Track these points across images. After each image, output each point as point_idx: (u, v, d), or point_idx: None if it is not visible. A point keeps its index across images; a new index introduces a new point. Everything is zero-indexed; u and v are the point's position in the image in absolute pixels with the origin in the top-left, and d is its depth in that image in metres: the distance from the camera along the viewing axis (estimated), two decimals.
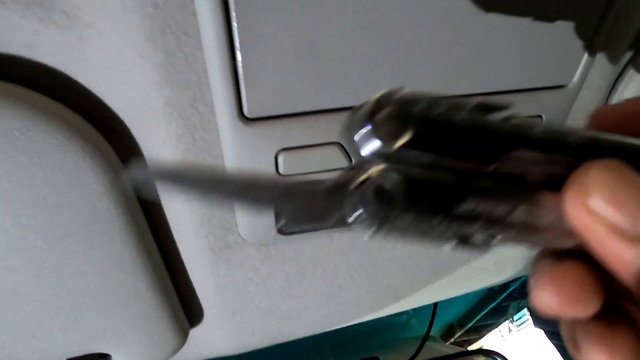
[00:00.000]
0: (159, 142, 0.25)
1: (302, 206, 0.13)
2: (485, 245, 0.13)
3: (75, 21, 0.20)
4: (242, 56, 0.22)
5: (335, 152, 0.27)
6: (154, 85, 0.22)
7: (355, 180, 0.12)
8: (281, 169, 0.27)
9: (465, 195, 0.12)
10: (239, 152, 0.25)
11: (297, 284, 0.37)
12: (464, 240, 0.13)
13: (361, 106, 0.13)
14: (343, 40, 0.23)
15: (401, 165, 0.12)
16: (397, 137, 0.12)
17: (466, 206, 0.12)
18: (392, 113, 0.12)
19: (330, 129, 0.26)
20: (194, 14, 0.21)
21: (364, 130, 0.12)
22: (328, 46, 0.23)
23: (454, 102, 0.12)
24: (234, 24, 0.21)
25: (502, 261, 0.45)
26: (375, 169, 0.12)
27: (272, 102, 0.24)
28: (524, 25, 0.26)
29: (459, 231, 0.13)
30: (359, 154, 0.12)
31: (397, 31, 0.23)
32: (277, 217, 0.13)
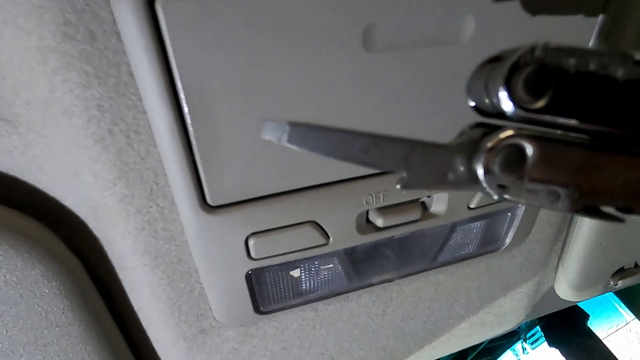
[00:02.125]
0: (118, 237, 0.23)
1: (427, 163, 0.12)
2: (618, 218, 0.12)
3: (17, 127, 0.19)
4: (199, 147, 0.20)
5: (308, 230, 0.25)
6: (107, 184, 0.21)
7: (489, 141, 0.12)
8: (253, 254, 0.25)
9: (603, 162, 0.12)
10: (205, 240, 0.24)
11: None
12: (592, 212, 0.12)
13: (493, 59, 0.12)
14: (305, 120, 0.22)
15: (536, 127, 0.11)
16: (534, 99, 0.11)
17: (601, 174, 0.12)
18: (531, 74, 0.11)
19: (301, 207, 0.25)
20: (144, 112, 0.19)
21: (500, 92, 0.11)
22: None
23: (601, 59, 0.11)
24: (188, 119, 0.19)
25: (503, 313, 0.43)
26: (509, 131, 0.12)
27: (236, 187, 0.22)
28: None
29: (590, 201, 0.12)
30: (492, 114, 0.12)
31: (365, 102, 0.22)
32: (401, 176, 0.12)
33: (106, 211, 0.22)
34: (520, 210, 0.33)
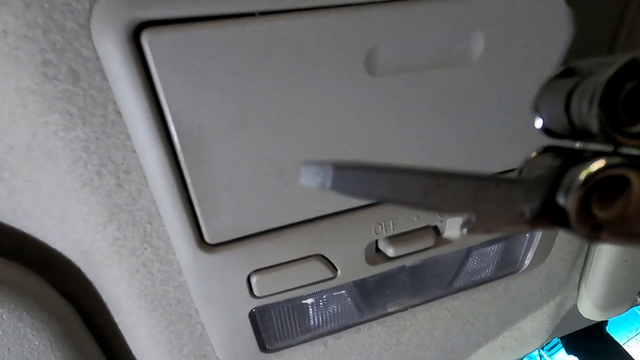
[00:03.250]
0: (111, 281, 0.22)
1: (499, 202, 0.11)
2: None
3: (0, 172, 0.18)
4: (193, 185, 0.19)
5: (314, 264, 0.24)
6: (97, 227, 0.19)
7: (583, 172, 0.10)
8: (256, 292, 0.23)
9: None
10: (205, 280, 0.22)
11: None
12: None
13: (564, 72, 0.11)
14: (305, 150, 0.20)
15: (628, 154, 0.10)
16: (635, 121, 0.09)
17: None
18: (632, 92, 0.09)
19: (306, 241, 0.23)
20: (133, 150, 0.18)
21: (592, 111, 0.09)
22: (289, 159, 0.20)
23: None
24: (180, 156, 0.18)
25: (524, 335, 0.40)
26: (609, 160, 0.10)
27: (235, 224, 0.21)
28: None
29: None
30: (567, 135, 0.10)
31: (367, 131, 0.21)
32: (468, 219, 0.11)
33: (98, 255, 0.21)
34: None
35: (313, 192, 0.22)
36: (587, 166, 0.10)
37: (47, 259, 0.21)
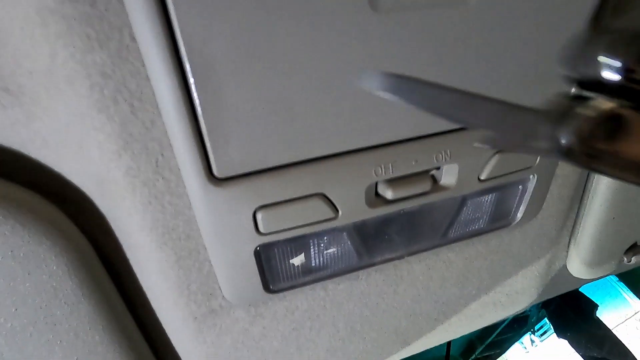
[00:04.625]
0: (124, 213, 0.23)
1: (516, 125, 0.13)
2: None
3: (19, 98, 0.19)
4: (204, 117, 0.20)
5: (317, 203, 0.25)
6: (112, 156, 0.20)
7: (585, 108, 0.12)
8: (261, 228, 0.25)
9: None
10: (213, 214, 0.23)
11: (294, 342, 0.34)
12: None
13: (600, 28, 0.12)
14: (314, 87, 0.21)
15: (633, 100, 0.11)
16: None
17: None
18: None
19: (309, 179, 0.24)
20: (147, 78, 0.19)
21: (606, 59, 0.11)
22: (297, 96, 0.21)
23: None
24: (192, 85, 0.19)
25: (515, 292, 0.42)
26: (612, 102, 0.11)
27: (243, 159, 0.22)
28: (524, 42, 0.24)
29: None
30: (591, 85, 0.12)
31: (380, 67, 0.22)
32: (488, 136, 0.13)
33: (112, 185, 0.22)
34: (532, 183, 0.32)
35: (317, 131, 0.23)
36: (592, 103, 0.11)
37: (63, 192, 0.22)
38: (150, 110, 0.20)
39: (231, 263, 0.26)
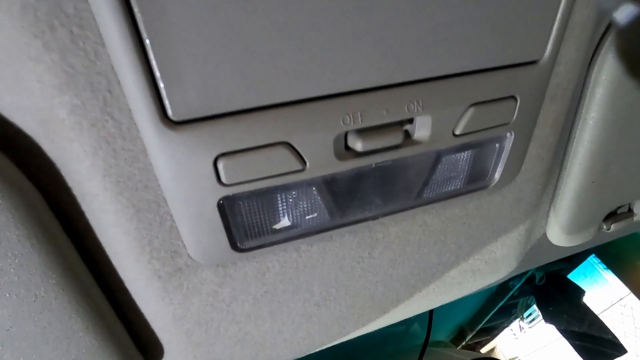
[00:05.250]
0: (73, 158, 0.22)
1: None
2: None
3: None
4: (154, 50, 0.19)
5: (282, 153, 0.24)
6: (53, 91, 0.19)
7: None
8: (223, 177, 0.23)
9: None
10: (170, 161, 0.22)
11: (266, 306, 0.33)
12: None
13: None
14: (277, 25, 0.20)
15: None
16: None
17: None
18: None
19: (273, 126, 0.23)
20: (86, 1, 0.18)
21: None
22: (259, 33, 0.20)
23: None
24: (136, 10, 0.17)
25: (494, 260, 0.42)
26: None
27: (201, 101, 0.21)
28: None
29: None
30: None
31: (343, 10, 0.21)
32: None
33: (57, 125, 0.20)
34: (509, 142, 0.31)
35: (282, 74, 0.21)
36: None
37: (7, 135, 0.21)
38: (93, 39, 0.18)
39: (194, 217, 0.25)
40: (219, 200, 0.25)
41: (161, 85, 0.20)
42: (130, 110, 0.21)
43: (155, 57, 0.19)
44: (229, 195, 0.25)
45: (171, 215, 0.25)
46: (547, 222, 0.42)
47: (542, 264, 0.48)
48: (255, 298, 0.32)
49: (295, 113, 0.23)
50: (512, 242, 0.41)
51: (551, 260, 0.48)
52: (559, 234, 0.42)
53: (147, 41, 0.18)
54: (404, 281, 0.38)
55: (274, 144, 0.23)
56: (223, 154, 0.23)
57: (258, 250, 0.29)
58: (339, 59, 0.22)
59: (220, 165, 0.23)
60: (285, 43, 0.21)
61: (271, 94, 0.22)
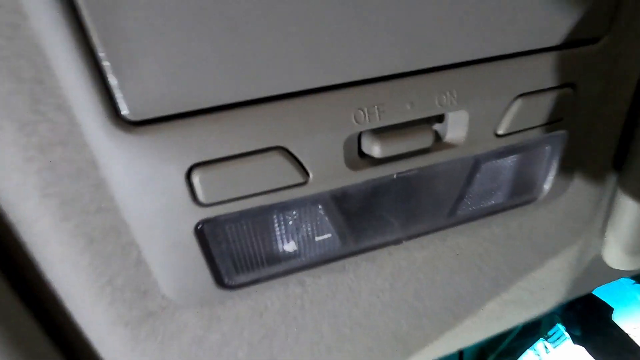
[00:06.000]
0: (1, 172, 0.16)
1: None
2: None
3: None
4: (96, 26, 0.13)
5: (277, 161, 0.18)
6: None
7: None
8: (200, 195, 0.18)
9: None
10: (127, 175, 0.17)
11: (265, 353, 0.27)
12: None
13: None
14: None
15: None
16: None
17: None
18: None
19: (267, 127, 0.17)
20: None
21: None
22: (239, 5, 0.15)
23: None
24: None
25: (541, 289, 0.35)
26: None
27: (166, 94, 0.16)
28: None
29: None
30: None
31: None
32: None
33: None
34: (562, 143, 0.25)
35: (272, 58, 0.16)
36: None
37: None
38: (8, 6, 0.13)
39: (166, 248, 0.19)
40: (197, 225, 0.19)
41: (108, 73, 0.15)
42: (69, 107, 0.16)
43: (97, 32, 0.14)
44: (210, 218, 0.19)
45: (137, 246, 0.20)
46: (602, 240, 0.35)
47: (593, 291, 0.41)
48: (251, 344, 0.26)
49: (293, 109, 0.18)
50: (561, 266, 0.34)
51: (607, 282, 0.41)
52: (619, 255, 0.35)
53: (86, 12, 0.13)
54: (433, 316, 0.31)
55: (267, 150, 0.18)
56: (199, 165, 0.17)
57: (252, 287, 0.23)
58: (348, 38, 0.17)
59: (195, 179, 0.17)
60: (278, 15, 0.15)
61: (261, 85, 0.17)
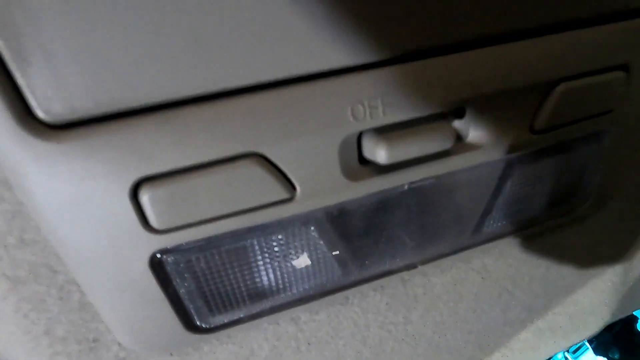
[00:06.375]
0: None
1: None
2: None
3: None
4: None
5: (252, 172, 0.14)
6: None
7: None
8: (152, 219, 0.14)
9: None
10: (48, 196, 0.13)
11: None
12: None
13: None
14: None
15: None
16: None
17: None
18: None
19: (236, 128, 0.13)
20: None
21: None
22: None
23: None
24: None
25: (582, 312, 0.30)
26: None
27: (99, 87, 0.12)
28: None
29: None
30: None
31: None
32: None
33: None
34: (611, 138, 0.20)
35: (245, 37, 0.12)
36: None
37: None
38: None
39: (113, 287, 0.15)
40: (152, 257, 0.15)
41: (6, 58, 0.11)
42: None
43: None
44: (168, 248, 0.15)
45: (78, 285, 0.15)
46: None
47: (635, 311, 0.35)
48: None
49: (269, 105, 0.13)
50: (605, 286, 0.29)
51: None
52: None
53: None
54: (457, 351, 0.26)
55: (237, 158, 0.14)
56: (147, 179, 0.13)
57: (233, 328, 0.18)
58: (337, 13, 0.13)
59: (144, 199, 0.13)
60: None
61: (227, 73, 0.13)
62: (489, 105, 0.16)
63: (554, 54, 0.16)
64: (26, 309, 0.15)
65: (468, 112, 0.17)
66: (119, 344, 0.17)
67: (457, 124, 0.18)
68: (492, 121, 0.17)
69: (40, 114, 0.12)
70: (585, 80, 0.17)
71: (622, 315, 0.34)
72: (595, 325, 0.31)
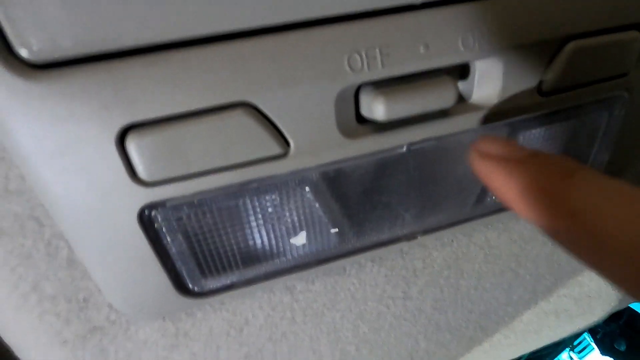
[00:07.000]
0: None
1: None
2: None
3: None
4: None
5: (241, 123, 0.13)
6: None
7: None
8: (139, 170, 0.13)
9: None
10: (33, 142, 0.12)
11: None
12: None
13: None
14: None
15: None
16: None
17: None
18: None
19: (226, 74, 0.13)
20: None
21: None
22: None
23: None
24: None
25: (588, 295, 0.29)
26: None
27: (83, 23, 0.11)
28: None
29: None
30: None
31: None
32: None
33: None
34: (622, 107, 0.19)
35: None
36: None
37: None
38: None
39: (102, 243, 0.15)
40: (141, 211, 0.14)
41: None
42: None
43: None
44: (157, 202, 0.14)
45: (66, 240, 0.15)
46: None
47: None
48: None
49: (261, 50, 0.13)
50: None
51: None
52: None
53: None
54: (457, 331, 0.26)
55: (226, 107, 0.13)
56: (134, 126, 0.13)
57: (227, 294, 0.18)
58: None
59: (131, 147, 0.13)
60: None
61: (217, 18, 0.12)
62: (493, 64, 0.16)
63: (563, 9, 0.15)
64: (13, 263, 0.15)
65: (472, 71, 0.16)
66: (110, 306, 0.17)
67: (461, 85, 0.17)
68: (498, 81, 0.16)
69: (21, 51, 0.11)
70: (597, 39, 0.16)
71: (630, 303, 0.34)
72: (601, 310, 0.30)
